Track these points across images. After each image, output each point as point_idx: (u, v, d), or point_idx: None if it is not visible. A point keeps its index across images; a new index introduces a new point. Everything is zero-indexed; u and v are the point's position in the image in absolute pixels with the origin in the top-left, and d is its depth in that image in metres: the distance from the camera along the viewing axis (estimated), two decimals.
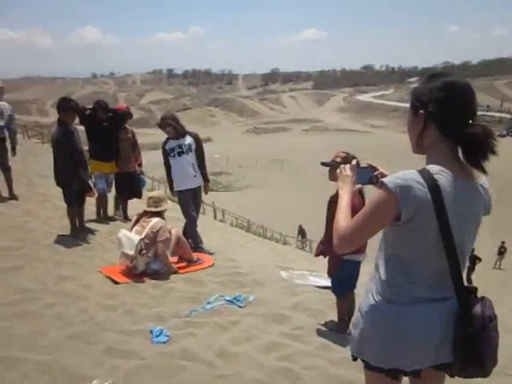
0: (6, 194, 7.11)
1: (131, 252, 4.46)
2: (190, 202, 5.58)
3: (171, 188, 5.72)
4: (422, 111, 1.58)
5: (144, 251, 4.51)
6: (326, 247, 3.74)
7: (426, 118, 1.57)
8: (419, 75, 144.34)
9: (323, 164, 3.53)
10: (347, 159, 3.38)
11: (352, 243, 1.63)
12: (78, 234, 5.67)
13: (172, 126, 5.46)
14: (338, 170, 1.93)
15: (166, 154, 5.55)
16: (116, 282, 4.40)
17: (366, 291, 1.72)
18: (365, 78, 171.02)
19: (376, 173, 1.90)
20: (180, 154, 5.48)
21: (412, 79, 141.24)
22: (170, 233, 4.82)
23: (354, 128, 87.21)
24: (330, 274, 3.81)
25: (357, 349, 1.73)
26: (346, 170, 1.88)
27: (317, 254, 3.91)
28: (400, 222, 1.52)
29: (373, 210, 1.56)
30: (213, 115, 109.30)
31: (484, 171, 1.56)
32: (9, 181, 7.10)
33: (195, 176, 5.61)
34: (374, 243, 2.11)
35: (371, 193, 1.69)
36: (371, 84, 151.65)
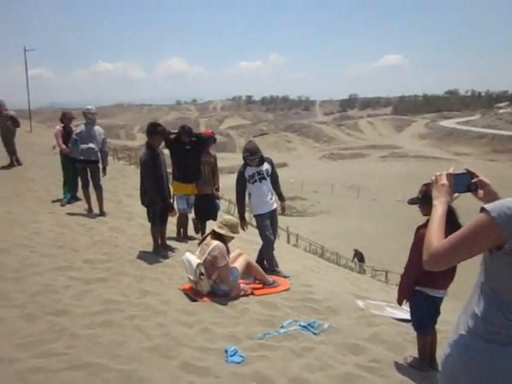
0: (96, 210, 7.68)
1: (191, 276, 4.59)
2: (268, 225, 5.67)
3: (242, 214, 5.83)
4: None
5: (203, 276, 4.56)
6: (402, 277, 3.56)
7: None
8: (509, 100, 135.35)
9: (410, 202, 3.45)
10: (428, 191, 3.23)
11: (442, 263, 1.56)
12: (159, 251, 5.94)
13: (260, 158, 5.63)
14: (433, 178, 1.82)
15: (244, 181, 5.67)
16: (194, 300, 4.52)
17: (457, 327, 1.60)
18: (448, 103, 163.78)
19: (474, 180, 1.76)
20: (261, 179, 5.64)
21: (501, 104, 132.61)
22: (233, 257, 4.88)
23: (435, 155, 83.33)
24: (399, 302, 3.60)
25: None
26: (442, 178, 1.77)
27: (399, 302, 3.65)
28: (503, 251, 1.41)
29: (471, 234, 1.48)
30: (289, 141, 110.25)
31: None
32: (100, 199, 7.67)
33: (271, 199, 5.73)
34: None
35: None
36: (455, 110, 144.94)
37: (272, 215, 5.74)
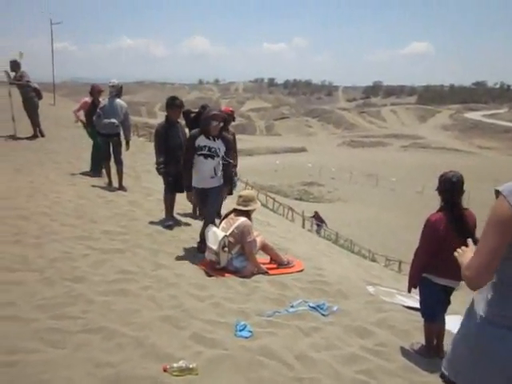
0: (116, 184, 7.82)
1: (214, 247, 4.65)
2: (198, 199, 5.39)
3: (189, 184, 5.29)
4: None
5: (226, 248, 4.66)
6: (412, 264, 3.58)
7: None
8: None
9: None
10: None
11: (484, 271, 1.46)
12: (167, 220, 6.20)
13: (222, 127, 5.17)
14: (456, 253, 1.78)
15: (194, 147, 5.14)
16: (209, 275, 4.62)
17: (469, 310, 1.62)
18: (475, 95, 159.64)
19: None
20: (206, 156, 5.14)
21: None
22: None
23: (458, 147, 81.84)
24: (409, 289, 3.64)
25: (451, 370, 1.62)
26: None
27: (409, 289, 3.69)
28: None
29: (494, 222, 1.44)
30: (309, 125, 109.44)
31: None
32: (120, 173, 7.80)
33: (212, 178, 5.24)
34: None
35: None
36: (482, 102, 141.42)
37: (207, 193, 5.27)
